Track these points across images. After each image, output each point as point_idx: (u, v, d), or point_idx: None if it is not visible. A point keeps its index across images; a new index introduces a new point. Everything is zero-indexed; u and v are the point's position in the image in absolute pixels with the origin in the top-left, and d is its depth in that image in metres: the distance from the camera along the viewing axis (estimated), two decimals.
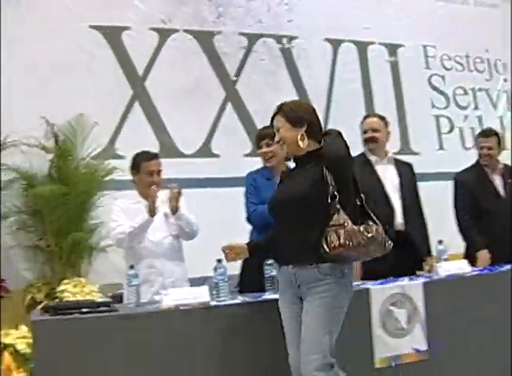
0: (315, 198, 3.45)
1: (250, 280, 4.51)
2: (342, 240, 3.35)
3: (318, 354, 3.41)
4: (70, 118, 6.27)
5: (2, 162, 6.12)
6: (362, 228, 3.43)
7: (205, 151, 7.00)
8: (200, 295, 3.87)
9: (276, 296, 3.80)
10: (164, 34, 7.07)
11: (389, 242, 3.52)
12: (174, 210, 4.62)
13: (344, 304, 3.51)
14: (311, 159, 3.55)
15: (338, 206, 3.40)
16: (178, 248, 4.70)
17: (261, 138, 4.77)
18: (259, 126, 5.55)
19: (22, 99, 6.20)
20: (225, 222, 6.11)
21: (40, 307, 4.36)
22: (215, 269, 3.96)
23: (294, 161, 3.69)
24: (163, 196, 4.67)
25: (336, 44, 7.86)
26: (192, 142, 6.93)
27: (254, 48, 7.44)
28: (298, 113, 3.58)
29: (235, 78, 7.30)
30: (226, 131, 7.13)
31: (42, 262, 6.21)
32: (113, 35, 6.86)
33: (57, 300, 5.68)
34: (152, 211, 4.54)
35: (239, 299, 4.03)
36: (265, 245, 3.83)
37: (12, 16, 6.40)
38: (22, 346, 5.51)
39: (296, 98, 7.40)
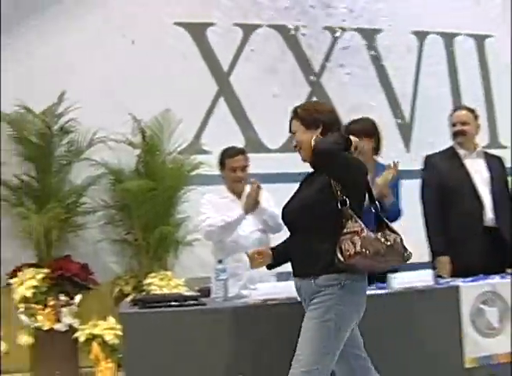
0: (322, 205, 3.24)
1: None
2: (358, 248, 3.10)
3: (297, 367, 3.18)
4: (156, 114, 6.34)
5: (91, 158, 6.24)
6: (379, 235, 3.21)
7: (290, 146, 6.93)
8: (288, 290, 3.84)
9: None
10: (247, 29, 7.05)
11: (408, 252, 3.30)
12: (255, 205, 4.60)
13: (339, 318, 3.19)
14: None
15: (351, 212, 3.18)
16: (266, 242, 4.68)
17: (348, 134, 4.71)
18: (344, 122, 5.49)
19: (110, 96, 6.29)
20: None
21: (129, 300, 4.42)
22: None
23: (311, 166, 3.45)
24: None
25: (422, 36, 7.69)
26: (277, 137, 6.90)
27: (338, 42, 7.34)
28: (313, 115, 3.38)
29: (312, 78, 7.22)
30: None
31: (130, 255, 6.31)
32: (197, 32, 6.89)
33: (144, 293, 5.80)
34: (249, 208, 4.54)
35: None
36: (284, 252, 3.56)
37: (97, 15, 6.52)
38: (110, 337, 5.64)
39: (382, 93, 7.32)
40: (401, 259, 3.28)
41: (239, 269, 4.54)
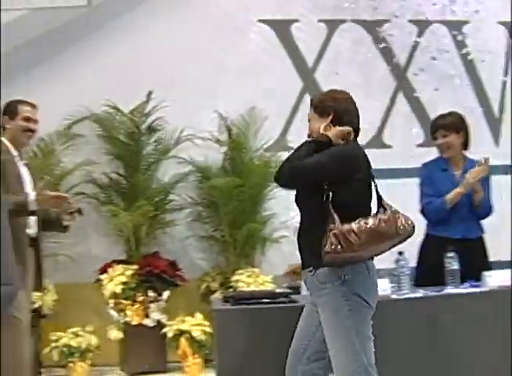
0: (310, 199, 3.19)
1: (428, 272, 4.37)
2: (328, 247, 2.99)
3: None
4: (242, 112, 6.34)
5: (178, 156, 6.28)
6: (355, 226, 3.03)
7: (377, 142, 6.86)
8: (381, 288, 3.76)
9: (459, 290, 3.64)
10: (332, 25, 6.98)
11: (403, 225, 3.09)
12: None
13: (350, 318, 3.07)
14: None
15: (331, 207, 3.05)
16: None
17: (436, 128, 4.62)
18: (431, 116, 5.39)
19: (196, 94, 6.33)
20: None
21: (219, 296, 4.42)
22: (397, 261, 3.84)
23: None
24: None
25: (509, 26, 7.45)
26: (364, 133, 6.77)
27: (423, 36, 7.18)
28: (324, 103, 3.31)
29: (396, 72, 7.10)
30: (398, 121, 6.94)
31: (217, 252, 6.33)
32: (282, 28, 6.85)
33: (231, 290, 5.80)
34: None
35: (421, 293, 3.89)
36: None
37: (182, 15, 6.56)
38: (197, 333, 5.69)
39: (469, 87, 7.12)
40: (394, 236, 3.10)
41: None
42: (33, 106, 4.21)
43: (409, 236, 3.15)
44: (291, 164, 3.21)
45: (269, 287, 5.94)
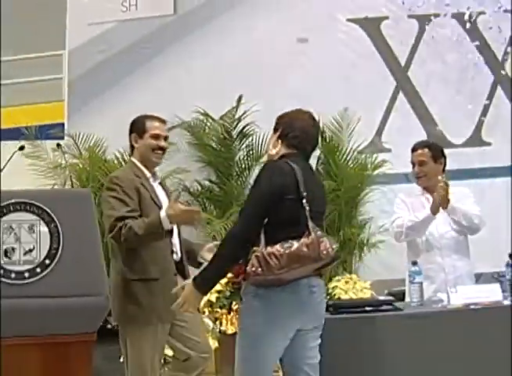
0: None
1: None
2: (253, 268, 2.95)
3: None
4: (335, 113, 6.14)
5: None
6: (277, 249, 2.95)
7: (475, 140, 6.51)
8: (492, 293, 3.49)
9: None
10: (423, 20, 6.67)
11: (326, 250, 2.99)
12: (443, 204, 4.23)
13: (249, 328, 3.04)
14: None
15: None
16: (462, 243, 4.30)
17: None
18: None
19: (288, 96, 6.14)
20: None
21: None
22: (508, 265, 3.54)
23: None
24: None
25: None
26: (461, 131, 6.47)
27: None
28: (277, 119, 3.31)
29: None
30: (498, 117, 6.57)
31: None
32: (371, 27, 6.61)
33: (328, 297, 5.59)
34: (435, 208, 4.18)
35: None
36: None
37: (269, 16, 6.43)
38: None
39: None
40: (318, 261, 3.00)
41: (432, 271, 4.19)
42: (161, 121, 3.82)
43: (333, 260, 3.09)
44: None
45: (367, 293, 5.71)
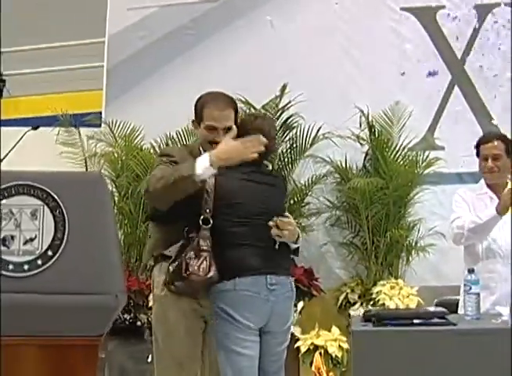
0: None
1: None
2: None
3: None
4: (385, 107, 5.64)
5: (315, 155, 5.64)
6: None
7: None
8: None
9: None
10: (483, 10, 6.11)
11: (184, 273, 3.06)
12: (506, 207, 3.69)
13: (216, 332, 3.16)
14: None
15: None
16: None
17: None
18: None
19: (335, 88, 5.70)
20: None
21: (359, 313, 3.73)
22: None
23: None
24: None
25: None
26: None
27: None
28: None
29: None
30: None
31: (356, 260, 5.62)
32: (426, 16, 6.07)
33: (371, 302, 5.17)
34: (503, 208, 3.65)
35: None
36: None
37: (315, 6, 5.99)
38: (333, 349, 5.24)
39: None
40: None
41: (492, 280, 3.67)
42: (223, 107, 3.15)
43: (200, 281, 3.08)
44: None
45: (414, 301, 5.22)
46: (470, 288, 3.23)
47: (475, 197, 3.90)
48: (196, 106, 3.26)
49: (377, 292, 5.24)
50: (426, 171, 5.52)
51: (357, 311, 5.34)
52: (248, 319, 3.05)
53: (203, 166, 2.93)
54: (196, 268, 3.02)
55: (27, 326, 2.50)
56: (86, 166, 5.69)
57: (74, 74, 6.62)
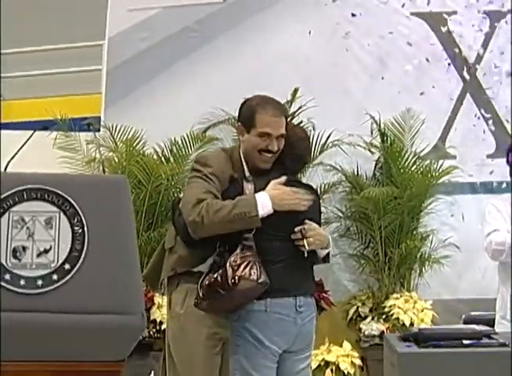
0: None
1: None
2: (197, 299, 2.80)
3: None
4: (396, 115, 5.35)
5: (325, 162, 5.32)
6: (207, 277, 2.76)
7: None
8: None
9: None
10: (496, 16, 5.84)
11: (233, 278, 2.64)
12: None
13: (236, 353, 2.79)
14: None
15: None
16: None
17: None
18: None
19: (345, 94, 5.41)
20: None
21: (395, 334, 3.39)
22: None
23: None
24: None
25: None
26: None
27: None
28: None
29: None
30: None
31: (367, 272, 5.30)
32: (437, 22, 5.78)
33: (384, 316, 4.92)
34: None
35: None
36: None
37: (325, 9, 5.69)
38: (345, 365, 4.93)
39: None
40: (231, 290, 2.67)
41: None
42: (278, 113, 2.85)
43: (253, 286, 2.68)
44: None
45: (428, 315, 4.92)
46: None
47: (508, 206, 3.60)
48: (245, 109, 2.90)
49: (391, 306, 4.95)
50: (440, 181, 5.22)
51: (369, 325, 5.05)
52: (275, 343, 2.76)
53: (266, 207, 2.70)
54: (247, 272, 2.64)
55: (40, 349, 2.16)
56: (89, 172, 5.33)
57: (73, 77, 6.26)
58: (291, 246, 2.78)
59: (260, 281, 2.65)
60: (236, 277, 2.63)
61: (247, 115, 2.85)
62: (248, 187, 2.77)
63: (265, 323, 2.73)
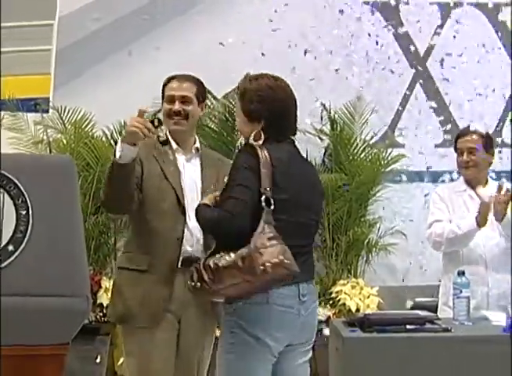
0: None
1: None
2: (192, 282, 2.45)
3: None
4: (347, 101, 5.35)
5: None
6: (213, 261, 2.40)
7: None
8: None
9: None
10: (445, 8, 5.89)
11: (263, 265, 2.31)
12: (500, 216, 3.45)
13: (231, 353, 2.49)
14: None
15: None
16: (508, 251, 3.52)
17: None
18: None
19: (295, 82, 5.34)
20: None
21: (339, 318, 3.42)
22: None
23: None
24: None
25: None
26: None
27: None
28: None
29: None
30: None
31: (315, 258, 5.29)
32: (388, 9, 5.80)
33: (331, 301, 4.91)
34: (482, 220, 3.40)
35: None
36: None
37: None
38: None
39: None
40: (260, 275, 2.33)
41: (473, 283, 3.40)
42: (183, 80, 3.06)
43: (268, 275, 2.34)
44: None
45: (375, 301, 4.97)
46: (461, 291, 2.99)
47: (454, 195, 3.66)
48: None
49: (337, 292, 4.97)
50: (389, 169, 5.26)
51: None
52: (277, 340, 2.46)
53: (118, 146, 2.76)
54: (280, 258, 2.31)
55: None
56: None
57: (22, 56, 6.10)
58: (296, 228, 2.50)
59: (293, 270, 2.35)
60: (268, 264, 2.32)
61: (162, 90, 3.08)
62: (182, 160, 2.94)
63: (266, 319, 2.44)
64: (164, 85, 3.09)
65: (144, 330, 2.79)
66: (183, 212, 2.84)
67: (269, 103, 2.60)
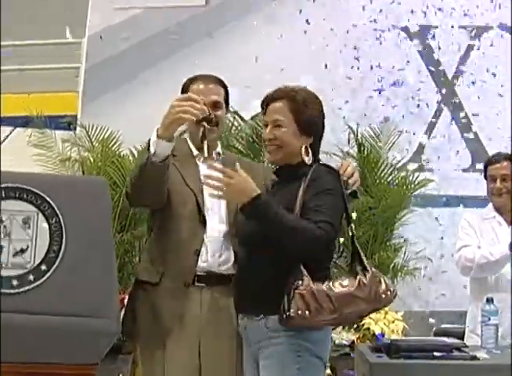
0: None
1: None
2: (299, 311, 2.29)
3: None
4: (374, 124, 5.40)
5: None
6: (327, 287, 2.33)
7: None
8: None
9: None
10: (474, 32, 5.92)
11: (384, 293, 2.34)
12: None
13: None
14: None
15: None
16: None
17: None
18: None
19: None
20: None
21: (363, 344, 3.43)
22: None
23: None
24: None
25: None
26: None
27: None
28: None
29: None
30: None
31: None
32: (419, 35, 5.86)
33: (355, 326, 4.87)
34: None
35: None
36: None
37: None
38: None
39: None
40: (375, 304, 2.38)
41: (502, 311, 3.41)
42: (209, 81, 2.82)
43: (388, 303, 2.43)
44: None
45: (399, 326, 4.96)
46: (489, 319, 2.99)
47: (482, 222, 3.66)
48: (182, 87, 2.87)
49: None
50: (416, 193, 5.28)
51: (339, 335, 5.06)
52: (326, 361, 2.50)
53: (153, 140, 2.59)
54: (388, 285, 2.40)
55: (13, 351, 2.15)
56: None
57: (51, 74, 6.22)
58: None
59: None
60: (390, 291, 2.36)
61: (183, 90, 2.83)
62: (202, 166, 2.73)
63: (327, 340, 2.48)
64: (187, 87, 2.84)
65: (157, 350, 2.63)
66: (203, 222, 2.64)
67: (323, 119, 2.57)
